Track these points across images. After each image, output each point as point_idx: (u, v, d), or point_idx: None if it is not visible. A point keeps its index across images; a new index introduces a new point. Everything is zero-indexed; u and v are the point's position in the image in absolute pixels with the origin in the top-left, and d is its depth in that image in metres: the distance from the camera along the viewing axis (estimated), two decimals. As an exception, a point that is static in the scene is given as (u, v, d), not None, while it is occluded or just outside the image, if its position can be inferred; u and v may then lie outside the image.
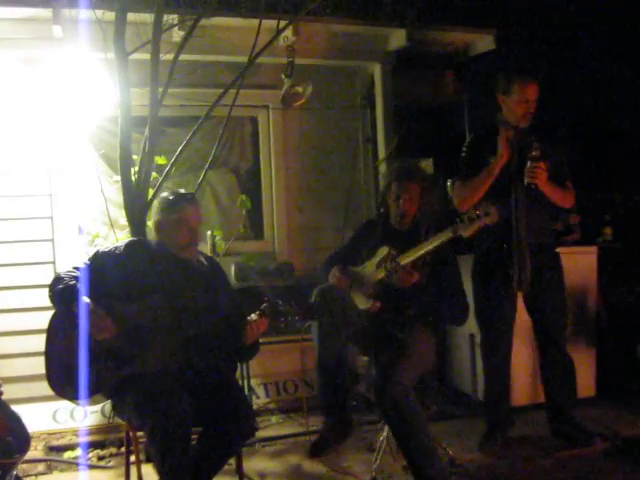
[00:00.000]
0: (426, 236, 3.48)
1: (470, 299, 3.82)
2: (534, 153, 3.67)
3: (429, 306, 3.50)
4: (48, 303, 3.13)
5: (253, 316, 3.12)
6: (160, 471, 2.95)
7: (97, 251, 3.25)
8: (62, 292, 3.06)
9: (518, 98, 3.79)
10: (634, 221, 5.15)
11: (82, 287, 3.06)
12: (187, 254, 3.23)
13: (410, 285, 3.39)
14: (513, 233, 3.78)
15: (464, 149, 4.01)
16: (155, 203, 3.27)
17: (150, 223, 3.26)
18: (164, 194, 3.32)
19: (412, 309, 3.50)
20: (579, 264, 4.61)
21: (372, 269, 3.56)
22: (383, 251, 3.53)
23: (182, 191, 3.34)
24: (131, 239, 3.41)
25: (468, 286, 3.82)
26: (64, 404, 4.11)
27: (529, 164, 3.68)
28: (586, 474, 3.62)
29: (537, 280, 3.82)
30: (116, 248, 3.23)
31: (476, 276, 4.04)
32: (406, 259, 3.39)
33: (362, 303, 3.53)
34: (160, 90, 3.88)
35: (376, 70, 5.32)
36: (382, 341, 3.49)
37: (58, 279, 3.12)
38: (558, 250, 4.05)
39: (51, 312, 3.15)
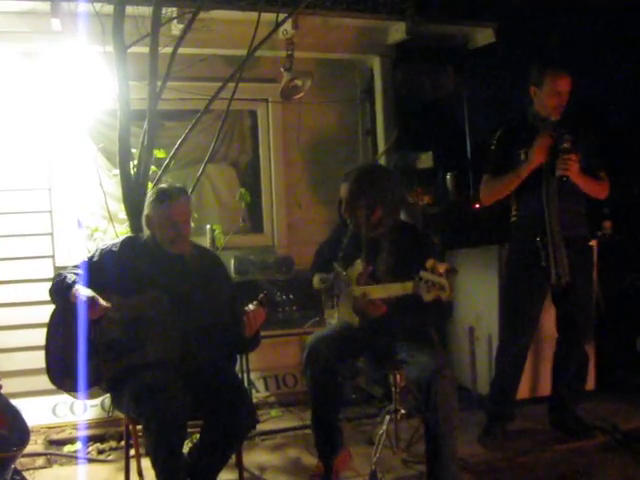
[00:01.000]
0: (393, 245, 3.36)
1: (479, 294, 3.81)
2: (565, 145, 3.65)
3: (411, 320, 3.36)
4: (47, 297, 3.15)
5: (250, 306, 3.11)
6: (154, 464, 2.96)
7: (97, 248, 3.27)
8: (60, 285, 3.08)
9: (550, 90, 3.77)
10: (633, 215, 5.14)
11: (80, 280, 3.08)
12: (175, 249, 3.20)
13: (380, 314, 3.22)
14: (547, 227, 3.76)
15: (494, 142, 3.98)
16: (147, 198, 3.25)
17: (144, 213, 3.24)
18: (154, 188, 3.32)
19: (395, 326, 3.37)
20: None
21: (352, 280, 3.36)
22: (358, 266, 3.32)
23: (172, 186, 3.29)
24: (127, 236, 3.42)
25: (488, 277, 3.78)
26: (64, 398, 4.13)
27: (560, 156, 3.67)
28: (585, 467, 3.63)
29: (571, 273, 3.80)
30: (113, 245, 3.25)
31: (509, 267, 4.05)
32: (371, 294, 3.18)
33: (348, 317, 3.40)
34: (159, 83, 3.87)
35: (375, 63, 5.31)
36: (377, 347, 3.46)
37: (59, 276, 3.13)
38: (592, 243, 4.03)
39: (50, 306, 3.17)
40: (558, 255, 3.75)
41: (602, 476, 3.52)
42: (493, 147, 3.99)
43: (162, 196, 3.17)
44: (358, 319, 3.30)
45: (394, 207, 3.43)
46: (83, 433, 4.29)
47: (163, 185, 3.34)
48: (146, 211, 3.21)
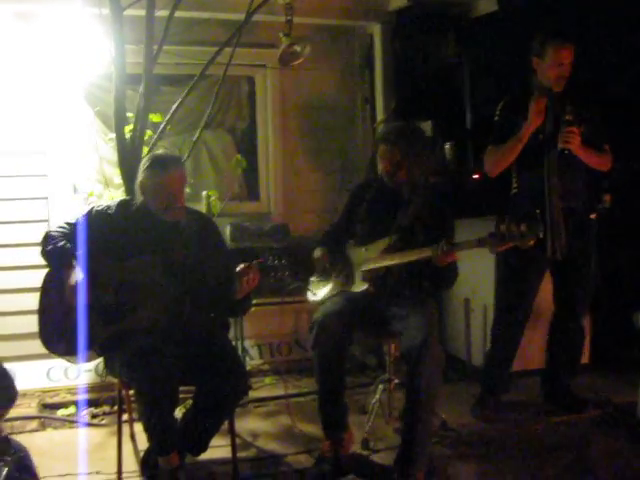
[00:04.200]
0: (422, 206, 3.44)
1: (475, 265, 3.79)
2: (567, 117, 3.61)
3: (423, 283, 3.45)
4: (42, 261, 3.13)
5: (243, 267, 3.09)
6: (147, 429, 2.98)
7: (91, 208, 3.24)
8: (53, 253, 3.06)
9: (552, 61, 3.72)
10: (633, 189, 5.11)
11: (73, 248, 3.06)
12: (169, 217, 3.17)
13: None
14: (545, 199, 3.73)
15: (497, 112, 3.94)
16: (141, 165, 3.21)
17: (138, 180, 3.21)
18: (149, 155, 3.28)
19: (407, 290, 3.44)
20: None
21: (372, 255, 3.44)
22: (384, 242, 3.39)
23: (167, 154, 3.27)
24: (122, 198, 3.39)
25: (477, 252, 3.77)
26: (58, 362, 4.13)
27: (562, 129, 3.63)
28: (577, 440, 3.65)
29: (568, 246, 3.79)
30: (108, 207, 3.23)
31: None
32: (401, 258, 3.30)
33: (356, 286, 3.48)
34: (155, 47, 3.82)
35: (376, 30, 5.23)
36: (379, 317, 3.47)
37: (49, 237, 3.11)
38: (593, 216, 3.99)
39: (45, 270, 3.15)
40: (555, 229, 3.73)
41: (593, 449, 3.54)
42: (497, 118, 3.94)
43: (157, 164, 3.13)
44: (367, 285, 3.38)
45: (428, 168, 3.59)
46: (77, 397, 4.31)
47: (158, 152, 3.31)
48: (140, 178, 3.17)
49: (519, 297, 3.96)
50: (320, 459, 3.35)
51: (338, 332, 3.27)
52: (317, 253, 3.65)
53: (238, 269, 3.07)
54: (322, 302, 3.53)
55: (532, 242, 2.96)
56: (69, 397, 4.37)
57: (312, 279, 3.71)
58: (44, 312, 3.11)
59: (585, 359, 4.59)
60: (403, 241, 3.36)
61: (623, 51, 5.49)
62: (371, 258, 3.42)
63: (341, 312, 3.32)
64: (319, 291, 3.60)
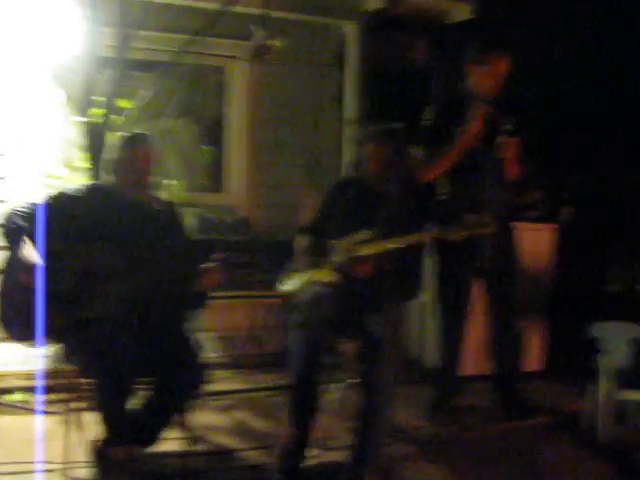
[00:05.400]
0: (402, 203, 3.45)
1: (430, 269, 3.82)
2: (507, 127, 3.65)
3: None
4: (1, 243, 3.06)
5: (209, 265, 3.08)
6: (102, 418, 2.94)
7: (58, 191, 3.18)
8: (10, 232, 3.01)
9: (490, 70, 3.74)
10: (594, 201, 5.21)
11: (32, 228, 3.00)
12: (136, 194, 3.19)
13: (360, 276, 3.31)
14: (479, 206, 3.71)
15: (428, 117, 3.94)
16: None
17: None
18: (121, 135, 3.31)
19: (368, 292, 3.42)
20: (538, 240, 4.67)
21: (345, 246, 3.42)
22: (365, 234, 3.38)
23: (135, 132, 3.35)
24: (92, 182, 3.35)
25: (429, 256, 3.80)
26: (6, 346, 4.03)
27: (499, 138, 3.66)
28: (527, 445, 3.71)
29: (494, 255, 3.83)
30: (75, 190, 3.17)
31: (439, 248, 3.98)
32: (375, 247, 3.29)
33: (325, 276, 3.46)
34: (128, 31, 3.76)
35: (350, 30, 5.24)
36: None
37: (7, 216, 3.04)
38: (510, 224, 4.03)
39: (3, 252, 3.08)
40: (485, 240, 3.77)
41: (542, 455, 3.59)
42: (429, 122, 3.94)
43: (127, 140, 3.22)
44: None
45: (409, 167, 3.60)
46: (27, 383, 4.22)
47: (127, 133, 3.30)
48: (111, 157, 3.20)
49: (454, 303, 4.01)
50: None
51: (326, 335, 3.31)
52: (299, 243, 3.62)
53: (203, 265, 3.04)
54: (293, 292, 3.52)
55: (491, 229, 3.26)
56: (19, 382, 4.28)
57: (285, 269, 3.67)
58: (2, 294, 3.04)
59: (541, 366, 4.68)
60: (389, 229, 3.35)
61: (591, 63, 5.58)
62: (354, 246, 3.37)
63: (328, 316, 3.31)
64: (291, 281, 3.57)
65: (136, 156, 3.18)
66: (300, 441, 3.29)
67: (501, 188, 3.84)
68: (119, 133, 3.30)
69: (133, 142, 3.22)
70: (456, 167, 3.81)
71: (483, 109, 3.72)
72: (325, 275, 3.44)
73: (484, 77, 3.77)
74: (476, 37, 3.90)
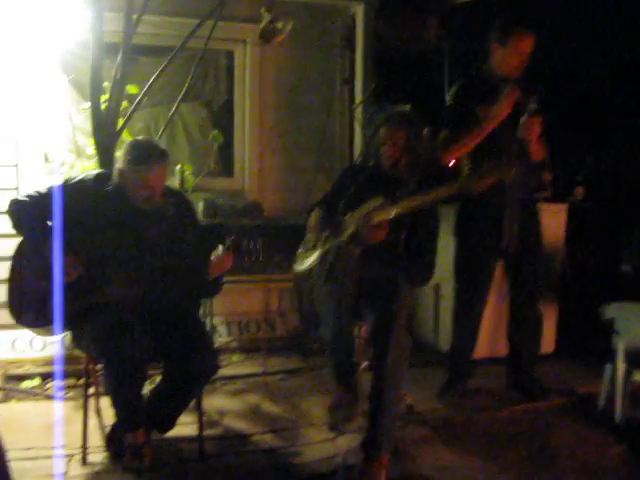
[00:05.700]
0: (418, 186, 3.37)
1: (446, 251, 3.79)
2: (532, 106, 3.60)
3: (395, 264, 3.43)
4: (10, 230, 3.06)
5: (219, 250, 3.07)
6: (114, 404, 2.96)
7: (66, 179, 3.17)
8: (23, 220, 3.01)
9: (514, 50, 3.69)
10: (605, 182, 5.17)
11: (44, 216, 3.01)
12: (146, 206, 3.10)
13: (375, 241, 3.25)
14: (507, 189, 3.71)
15: (451, 97, 3.88)
16: (122, 150, 3.10)
17: (118, 165, 3.13)
18: (133, 143, 3.12)
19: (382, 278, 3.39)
20: (549, 221, 4.62)
21: (357, 217, 3.37)
22: (377, 201, 3.31)
23: (151, 145, 3.09)
24: (100, 171, 3.31)
25: (445, 238, 3.76)
26: (23, 333, 4.07)
27: (525, 118, 3.62)
28: (540, 428, 3.70)
29: (521, 235, 3.80)
30: (83, 179, 3.15)
31: (460, 230, 3.99)
32: (391, 211, 3.21)
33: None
34: (135, 16, 3.74)
35: (359, 11, 5.19)
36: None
37: (18, 203, 3.04)
38: (538, 205, 4.01)
39: (12, 240, 3.09)
40: (510, 223, 3.74)
41: (556, 437, 3.58)
42: (451, 102, 3.88)
43: (140, 158, 3.00)
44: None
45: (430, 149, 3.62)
46: (42, 369, 4.25)
47: (141, 140, 3.19)
48: (120, 165, 3.07)
49: (474, 286, 3.97)
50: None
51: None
52: (312, 217, 3.58)
53: (213, 255, 3.04)
54: (308, 271, 3.50)
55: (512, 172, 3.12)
56: (34, 369, 4.31)
57: (299, 251, 3.65)
58: (13, 281, 3.06)
59: (550, 348, 4.65)
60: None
61: (604, 49, 5.51)
62: (367, 214, 3.30)
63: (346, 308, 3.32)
64: (306, 260, 3.55)
65: (151, 177, 3.02)
66: (346, 396, 3.33)
67: (526, 170, 3.79)
68: (134, 141, 3.16)
69: (149, 162, 3.00)
70: (479, 148, 3.74)
71: (515, 92, 3.64)
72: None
73: (508, 57, 3.72)
74: (498, 16, 3.83)
